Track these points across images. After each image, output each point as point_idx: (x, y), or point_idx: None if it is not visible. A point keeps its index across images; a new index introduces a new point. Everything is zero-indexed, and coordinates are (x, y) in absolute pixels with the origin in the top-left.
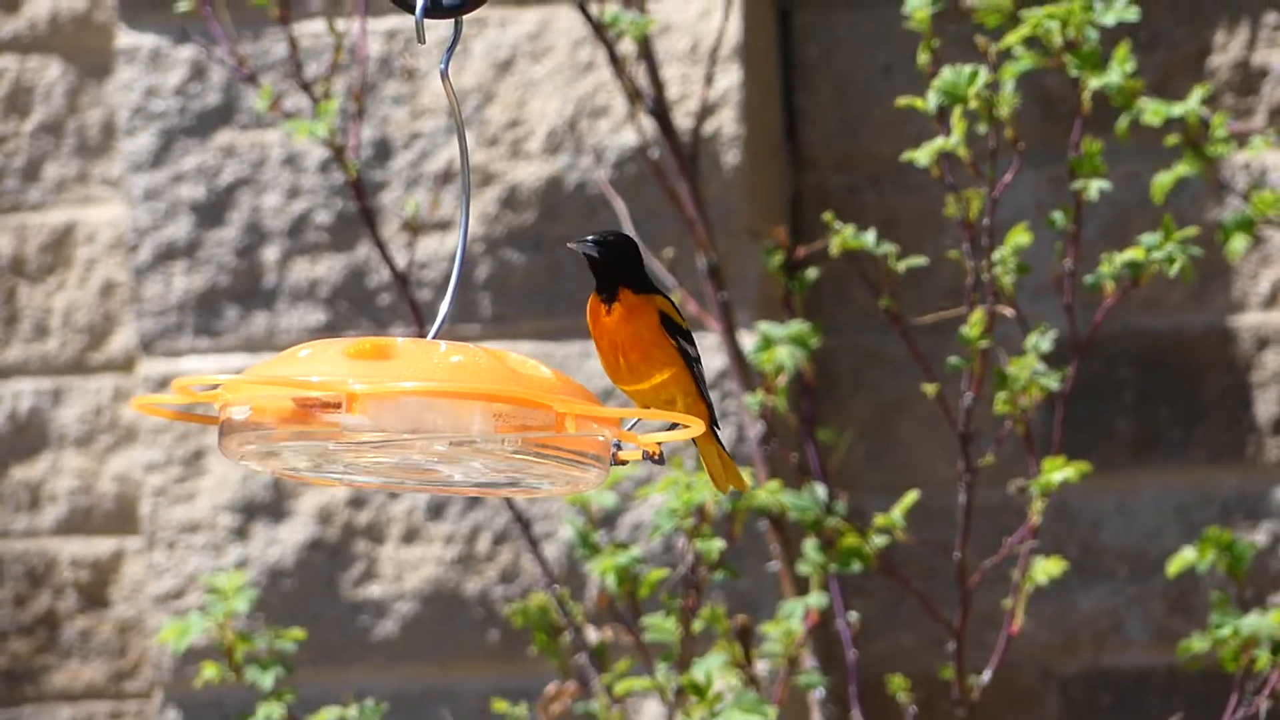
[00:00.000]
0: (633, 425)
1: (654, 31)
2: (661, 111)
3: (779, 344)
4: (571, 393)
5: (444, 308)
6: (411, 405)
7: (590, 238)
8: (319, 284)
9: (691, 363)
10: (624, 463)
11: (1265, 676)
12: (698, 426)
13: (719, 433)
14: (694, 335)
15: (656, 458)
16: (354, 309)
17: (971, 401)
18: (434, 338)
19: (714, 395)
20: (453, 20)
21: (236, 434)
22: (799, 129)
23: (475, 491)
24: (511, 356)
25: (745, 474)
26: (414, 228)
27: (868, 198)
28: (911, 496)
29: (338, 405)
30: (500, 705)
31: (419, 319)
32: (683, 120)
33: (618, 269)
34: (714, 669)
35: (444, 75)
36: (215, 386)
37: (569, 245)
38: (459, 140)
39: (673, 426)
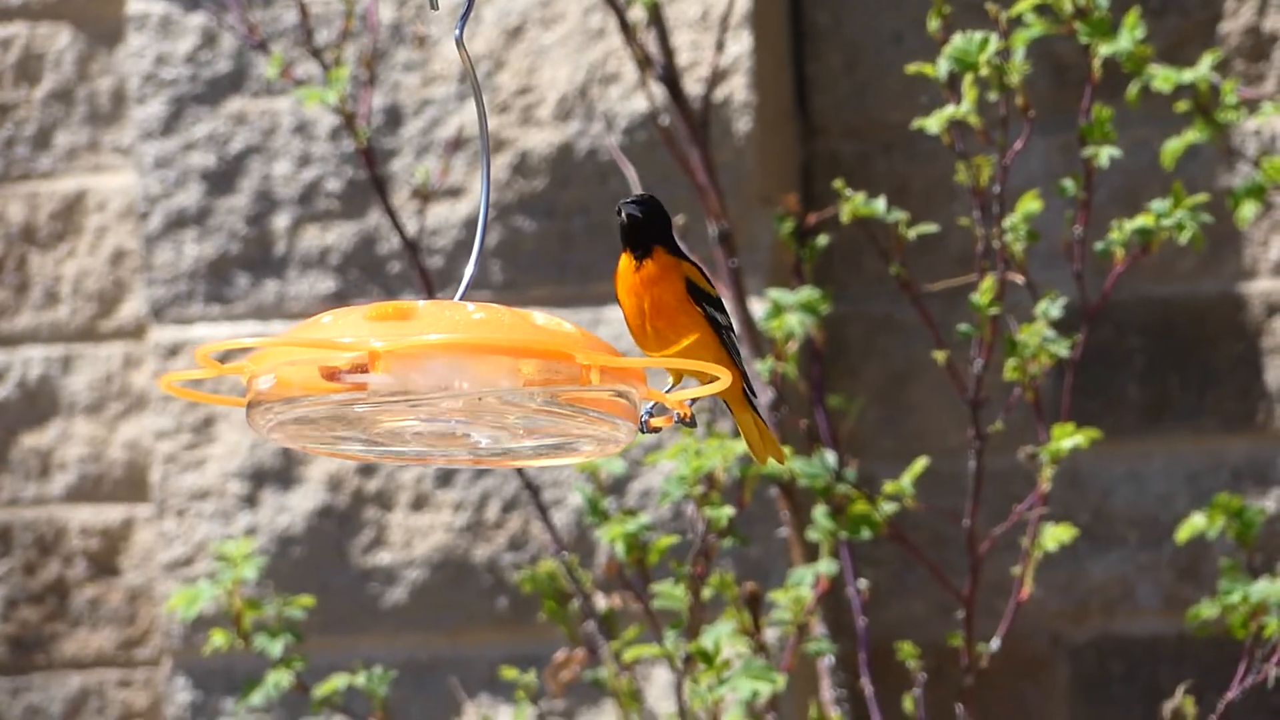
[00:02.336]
0: (669, 389)
1: None
2: (672, 78)
3: (789, 311)
4: (595, 347)
5: (468, 271)
6: (437, 363)
7: (628, 200)
8: (329, 251)
9: (720, 330)
10: (656, 429)
11: (1274, 643)
12: (725, 376)
13: (755, 402)
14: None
15: (688, 419)
16: (364, 276)
17: (981, 368)
18: (459, 300)
19: None
20: None
21: (263, 406)
22: (809, 96)
23: (503, 462)
24: (535, 314)
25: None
26: (424, 195)
27: (878, 165)
28: (921, 463)
29: (364, 370)
30: (509, 672)
31: (429, 286)
32: (693, 87)
33: (653, 229)
34: (723, 636)
35: (459, 42)
36: (237, 352)
37: (619, 213)
38: (477, 106)
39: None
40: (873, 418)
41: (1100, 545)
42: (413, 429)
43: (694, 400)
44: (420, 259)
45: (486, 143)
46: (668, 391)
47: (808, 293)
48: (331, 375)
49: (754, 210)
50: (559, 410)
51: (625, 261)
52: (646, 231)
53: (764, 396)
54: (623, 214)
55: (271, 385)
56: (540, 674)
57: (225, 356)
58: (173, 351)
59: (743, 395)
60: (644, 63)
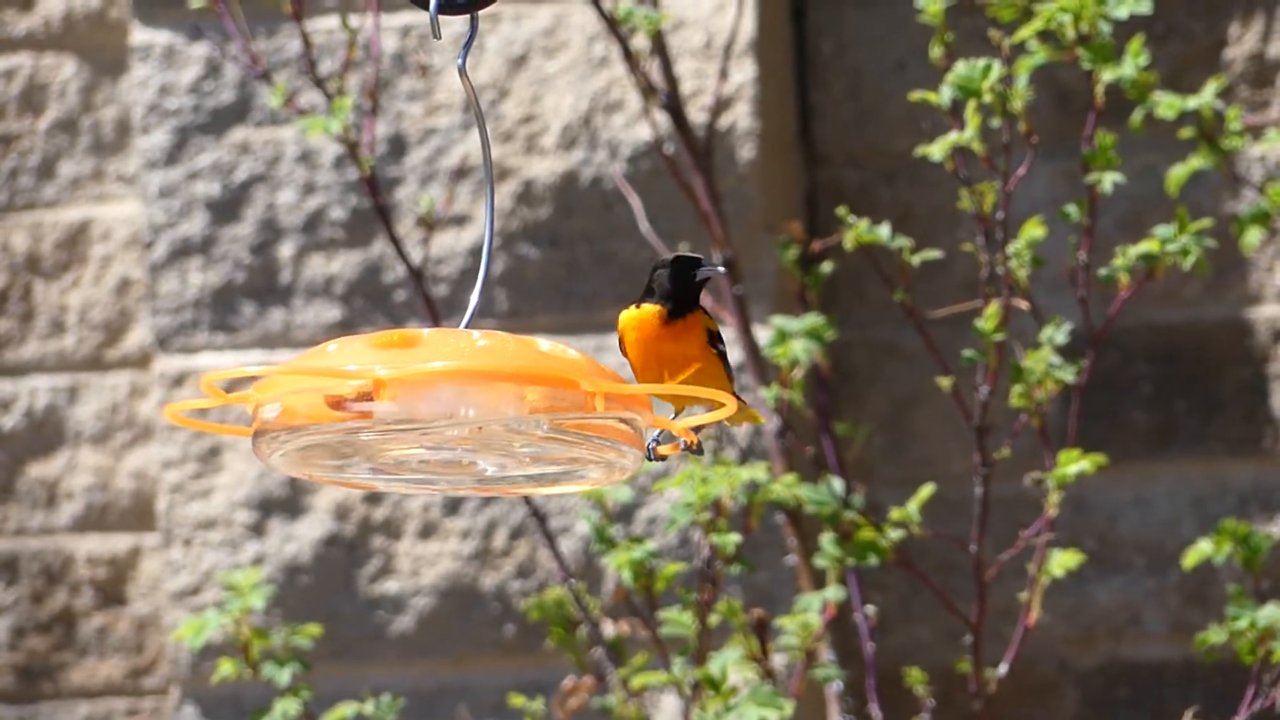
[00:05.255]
0: (675, 417)
1: (667, 27)
2: (676, 107)
3: (794, 338)
4: (600, 374)
5: (474, 299)
6: (443, 391)
7: (716, 262)
8: (334, 280)
9: (725, 361)
10: (663, 458)
11: None
12: (730, 404)
13: (740, 396)
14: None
15: (695, 447)
16: (369, 305)
17: (987, 395)
18: (464, 328)
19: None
20: (468, 16)
21: (268, 435)
22: (813, 124)
23: (510, 490)
24: (539, 341)
25: (761, 468)
26: (429, 223)
27: (882, 192)
28: (927, 490)
29: (369, 398)
30: (517, 700)
31: (434, 314)
32: (697, 115)
33: (681, 299)
34: (730, 663)
35: (462, 71)
36: (243, 380)
37: (708, 274)
38: (481, 135)
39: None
40: (879, 444)
41: (1107, 571)
42: (419, 457)
43: (700, 427)
44: (425, 287)
45: (490, 171)
46: (674, 419)
47: (812, 320)
48: (337, 404)
49: (758, 238)
50: (565, 438)
51: (651, 313)
52: (696, 294)
53: (770, 424)
54: (722, 275)
55: (277, 414)
56: (548, 701)
57: (230, 385)
58: (178, 381)
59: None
60: (647, 91)
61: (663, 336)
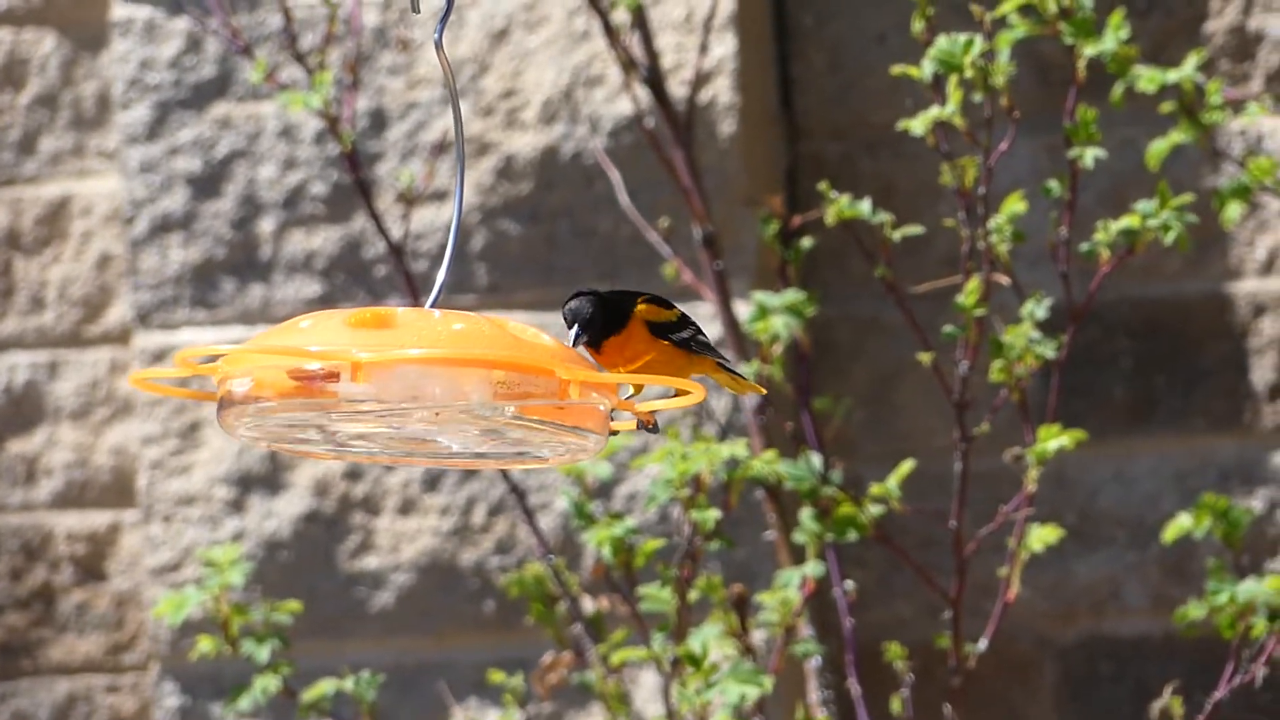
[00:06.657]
0: (629, 396)
1: (648, 0)
2: (656, 81)
3: (774, 313)
4: (572, 360)
5: (440, 276)
6: (411, 373)
7: (579, 338)
8: (315, 256)
9: (685, 345)
10: (615, 432)
11: (1262, 643)
12: (698, 393)
13: (729, 365)
14: (690, 305)
15: (651, 426)
16: (350, 280)
17: (967, 370)
18: (431, 306)
19: None
20: None
21: (235, 407)
22: (794, 97)
23: (474, 464)
24: (512, 324)
25: (740, 444)
26: (409, 199)
27: (864, 166)
28: (907, 465)
29: (337, 376)
30: (496, 676)
31: (414, 290)
32: (678, 89)
33: (599, 329)
34: (710, 639)
35: (438, 45)
36: (216, 358)
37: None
38: (453, 111)
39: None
40: (859, 419)
41: (1087, 546)
42: (384, 435)
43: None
44: (405, 263)
45: (461, 148)
46: (632, 397)
47: (793, 295)
48: (302, 378)
49: (739, 212)
50: (532, 424)
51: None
52: (595, 335)
53: (749, 399)
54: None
55: (247, 389)
56: (528, 677)
57: (208, 361)
58: (158, 357)
59: (716, 367)
60: (628, 65)
61: (604, 361)
